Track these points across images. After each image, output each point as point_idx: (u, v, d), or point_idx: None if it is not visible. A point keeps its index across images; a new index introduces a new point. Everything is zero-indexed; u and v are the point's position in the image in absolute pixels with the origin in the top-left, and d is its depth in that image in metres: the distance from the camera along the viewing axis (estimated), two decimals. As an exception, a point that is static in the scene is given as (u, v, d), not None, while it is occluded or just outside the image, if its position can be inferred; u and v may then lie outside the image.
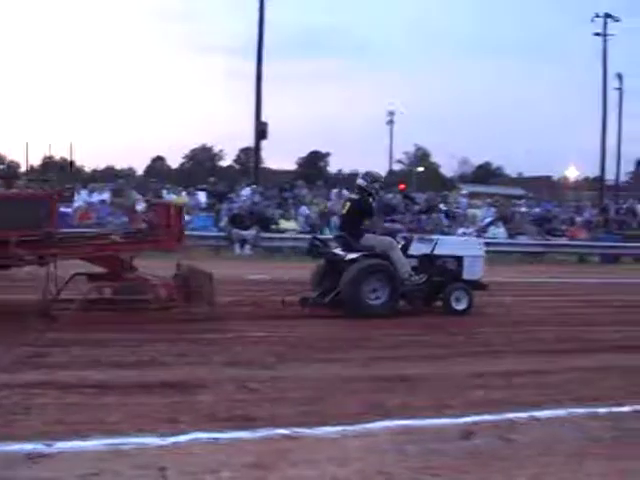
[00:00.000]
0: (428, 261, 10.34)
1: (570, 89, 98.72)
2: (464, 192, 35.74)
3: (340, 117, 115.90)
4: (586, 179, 65.09)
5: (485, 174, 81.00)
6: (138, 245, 9.38)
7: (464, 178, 76.78)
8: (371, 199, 10.36)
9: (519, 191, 53.07)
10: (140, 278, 9.05)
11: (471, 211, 26.37)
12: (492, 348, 7.84)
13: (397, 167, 78.19)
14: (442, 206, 25.79)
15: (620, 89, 44.47)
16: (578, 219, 26.75)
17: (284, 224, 22.49)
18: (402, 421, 4.78)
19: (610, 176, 46.67)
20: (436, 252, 10.44)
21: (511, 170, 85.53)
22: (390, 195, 24.49)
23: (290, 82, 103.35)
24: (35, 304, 8.32)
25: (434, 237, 11.28)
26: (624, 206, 31.16)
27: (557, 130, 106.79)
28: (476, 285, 10.51)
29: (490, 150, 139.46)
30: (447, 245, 10.78)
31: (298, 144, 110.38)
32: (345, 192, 24.16)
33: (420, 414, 5.01)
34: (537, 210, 28.33)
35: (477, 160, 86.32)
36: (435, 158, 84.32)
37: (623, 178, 61.95)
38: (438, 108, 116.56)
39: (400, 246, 10.20)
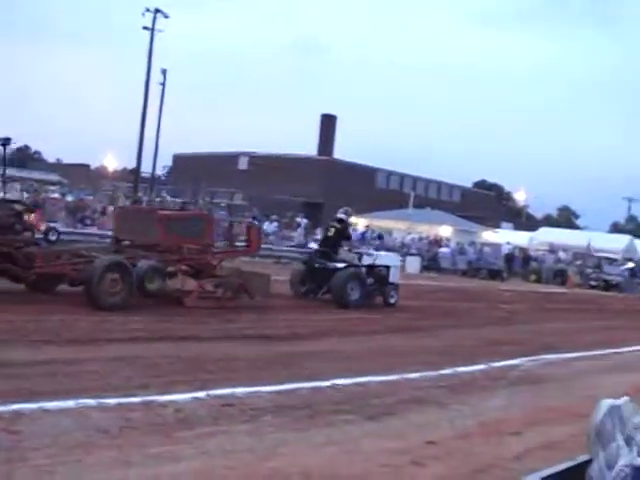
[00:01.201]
0: (371, 269, 16.25)
1: (117, 80, 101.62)
2: (-5, 175, 34.61)
3: None
4: (124, 170, 67.53)
5: (23, 157, 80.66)
6: (237, 253, 15.39)
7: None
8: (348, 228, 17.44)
9: (55, 177, 52.36)
10: (230, 276, 13.70)
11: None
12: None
13: None
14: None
15: (163, 84, 48.09)
16: (110, 208, 27.80)
17: None
18: None
19: (148, 169, 50.07)
20: (376, 263, 16.52)
21: (50, 155, 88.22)
22: None
23: None
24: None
25: (374, 253, 18.07)
26: (157, 199, 33.80)
27: (101, 120, 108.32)
28: (395, 286, 16.84)
29: (29, 134, 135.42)
30: (382, 258, 17.14)
31: None
32: None
33: None
34: (70, 198, 28.80)
35: (15, 143, 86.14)
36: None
37: (160, 171, 69.05)
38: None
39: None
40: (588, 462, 2.22)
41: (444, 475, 5.10)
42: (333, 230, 16.42)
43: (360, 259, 16.26)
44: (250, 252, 16.03)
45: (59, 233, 13.66)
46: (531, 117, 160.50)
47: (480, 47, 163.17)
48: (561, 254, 49.17)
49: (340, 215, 16.85)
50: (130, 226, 13.84)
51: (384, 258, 17.25)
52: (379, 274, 16.39)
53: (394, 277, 16.80)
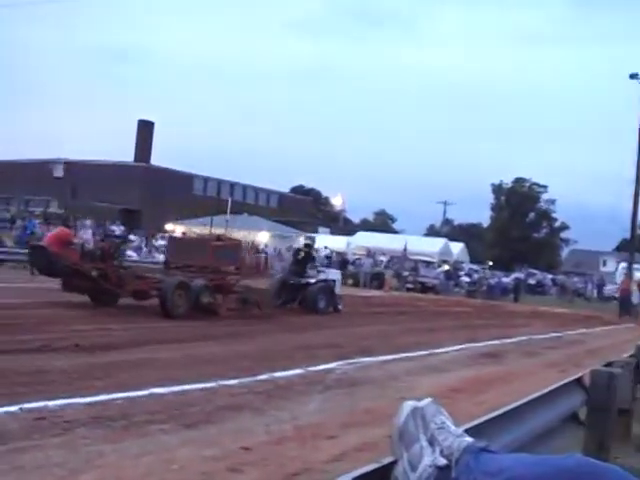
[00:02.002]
0: (325, 282, 21.21)
1: None
2: None
3: None
4: None
5: None
6: (250, 275, 19.69)
7: None
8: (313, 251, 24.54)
9: None
10: (247, 292, 18.08)
11: None
12: None
13: None
14: None
15: None
16: None
17: None
18: None
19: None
20: (328, 277, 21.68)
21: None
22: None
23: None
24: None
25: (327, 270, 23.74)
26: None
27: None
28: (340, 296, 22.06)
29: None
30: (330, 274, 22.52)
31: None
32: None
33: None
34: None
35: None
36: None
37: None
38: None
39: None
40: (393, 463, 2.36)
41: (260, 480, 5.26)
42: (303, 254, 21.90)
43: (318, 275, 21.48)
44: (260, 275, 21.74)
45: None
46: (348, 122, 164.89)
47: (296, 52, 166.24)
48: (382, 257, 50.88)
49: (307, 242, 23.68)
50: (182, 252, 18.89)
51: (332, 274, 22.82)
52: (329, 287, 21.24)
53: (338, 288, 22.09)
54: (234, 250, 19.06)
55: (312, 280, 20.79)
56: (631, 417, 7.25)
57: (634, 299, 39.43)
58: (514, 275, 54.97)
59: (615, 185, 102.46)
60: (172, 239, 23.82)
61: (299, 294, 20.45)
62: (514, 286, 48.86)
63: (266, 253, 27.42)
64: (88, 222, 34.19)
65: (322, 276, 21.37)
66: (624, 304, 38.46)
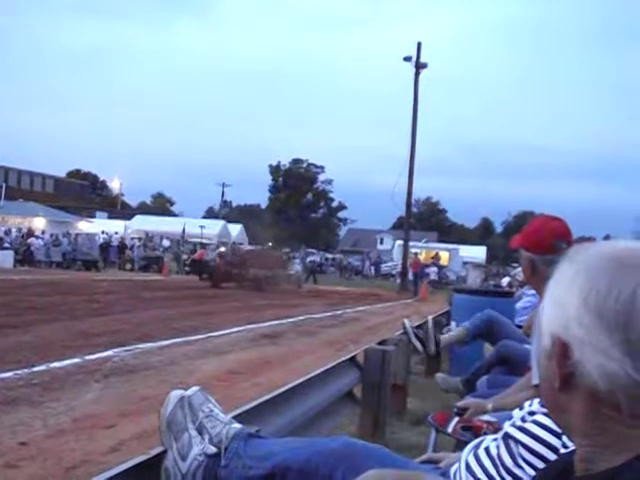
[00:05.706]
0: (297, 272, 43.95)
1: None
2: None
3: None
4: None
5: None
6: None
7: None
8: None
9: None
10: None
11: None
12: None
13: None
14: None
15: None
16: None
17: None
18: None
19: None
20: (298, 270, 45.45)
21: None
22: None
23: None
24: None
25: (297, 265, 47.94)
26: None
27: None
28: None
29: None
30: (311, 256, 55.85)
31: None
32: None
33: None
34: None
35: None
36: None
37: None
38: None
39: None
40: (163, 453, 2.51)
41: (37, 476, 5.25)
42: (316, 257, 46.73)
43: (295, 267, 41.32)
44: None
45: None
46: (125, 104, 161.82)
47: (85, 33, 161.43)
48: (165, 242, 50.90)
49: (286, 250, 46.17)
50: (255, 258, 33.76)
51: (311, 256, 46.34)
52: (299, 274, 40.79)
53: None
54: (280, 258, 38.85)
55: (292, 272, 38.94)
56: (406, 393, 7.67)
57: (431, 276, 42.48)
58: (311, 257, 56.58)
59: (391, 165, 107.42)
60: (249, 251, 39.62)
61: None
62: (310, 268, 50.39)
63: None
64: None
65: (296, 269, 41.58)
66: (415, 281, 41.12)
